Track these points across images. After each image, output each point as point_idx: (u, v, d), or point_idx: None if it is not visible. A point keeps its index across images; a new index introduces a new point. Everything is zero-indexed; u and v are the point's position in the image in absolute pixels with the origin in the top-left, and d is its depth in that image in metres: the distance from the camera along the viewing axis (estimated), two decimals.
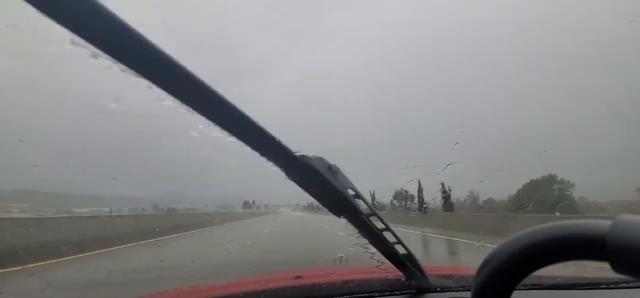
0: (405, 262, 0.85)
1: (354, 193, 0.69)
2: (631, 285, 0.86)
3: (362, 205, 0.71)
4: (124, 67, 0.42)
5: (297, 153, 0.58)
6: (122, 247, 8.72)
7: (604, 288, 0.87)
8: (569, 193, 32.25)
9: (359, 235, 0.76)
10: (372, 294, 0.91)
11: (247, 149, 0.54)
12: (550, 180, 33.58)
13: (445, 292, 0.86)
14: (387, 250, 0.81)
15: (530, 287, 0.86)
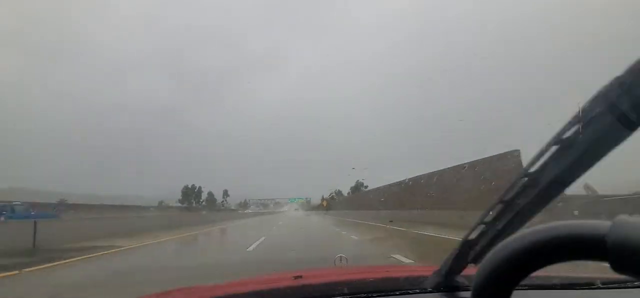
0: None
1: None
2: (631, 285, 0.86)
3: None
4: None
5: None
6: None
7: (604, 289, 0.87)
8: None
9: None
10: (372, 294, 0.91)
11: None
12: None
13: (444, 291, 0.86)
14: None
15: (530, 287, 0.86)
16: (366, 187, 66.33)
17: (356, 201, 47.26)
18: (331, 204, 71.12)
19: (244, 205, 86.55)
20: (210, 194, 77.63)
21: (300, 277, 1.06)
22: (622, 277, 0.48)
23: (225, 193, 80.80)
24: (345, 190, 77.57)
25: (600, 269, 0.87)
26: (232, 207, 77.88)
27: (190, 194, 73.09)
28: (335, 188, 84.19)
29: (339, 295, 0.92)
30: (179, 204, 69.60)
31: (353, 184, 70.39)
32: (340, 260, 1.97)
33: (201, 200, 74.82)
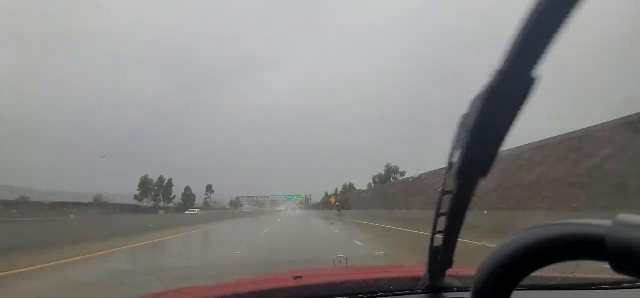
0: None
1: None
2: (631, 285, 0.85)
3: None
4: None
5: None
6: None
7: (604, 289, 0.87)
8: None
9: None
10: (372, 294, 0.91)
11: None
12: None
13: (444, 292, 0.86)
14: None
15: (530, 287, 0.86)
16: (403, 174, 46.83)
17: (401, 197, 26.15)
18: (346, 202, 50.10)
19: (235, 204, 69.23)
20: (187, 189, 55.59)
21: (300, 277, 1.06)
22: (622, 277, 0.48)
23: (209, 189, 60.55)
24: (359, 184, 58.85)
25: (600, 269, 0.87)
26: (212, 207, 56.95)
27: (154, 188, 51.53)
28: (345, 182, 66.40)
29: (339, 296, 0.92)
30: (136, 201, 50.43)
31: (378, 173, 51.57)
32: (340, 261, 1.97)
33: (172, 196, 53.99)
